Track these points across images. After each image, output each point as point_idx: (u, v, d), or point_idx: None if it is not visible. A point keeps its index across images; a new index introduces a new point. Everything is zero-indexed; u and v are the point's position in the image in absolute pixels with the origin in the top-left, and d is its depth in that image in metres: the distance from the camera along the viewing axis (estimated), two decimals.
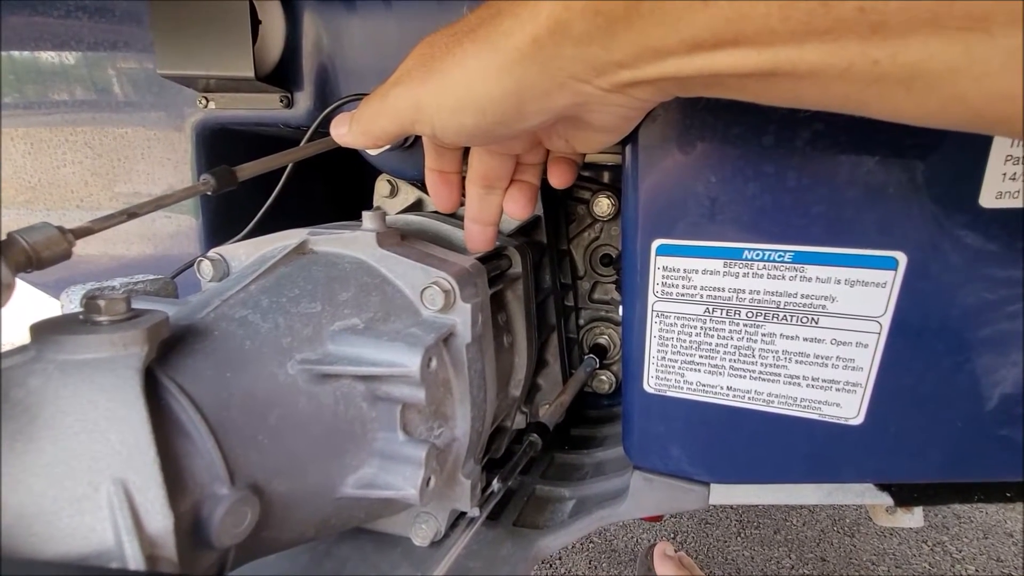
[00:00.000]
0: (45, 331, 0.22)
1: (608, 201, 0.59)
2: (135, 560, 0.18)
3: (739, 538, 1.21)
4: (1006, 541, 1.22)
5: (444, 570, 0.32)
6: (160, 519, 0.19)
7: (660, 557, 0.77)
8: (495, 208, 0.35)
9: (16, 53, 0.49)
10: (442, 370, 0.33)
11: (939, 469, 0.33)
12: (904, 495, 0.50)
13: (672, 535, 1.21)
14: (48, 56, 0.49)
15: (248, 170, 0.31)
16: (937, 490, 0.47)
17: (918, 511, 0.57)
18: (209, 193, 0.29)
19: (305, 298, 0.31)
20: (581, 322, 0.66)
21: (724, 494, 0.52)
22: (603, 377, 0.64)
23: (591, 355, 0.61)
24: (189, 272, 0.40)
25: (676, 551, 0.80)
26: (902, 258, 0.28)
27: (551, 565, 1.11)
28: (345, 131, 0.30)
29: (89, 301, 0.23)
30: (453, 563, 0.32)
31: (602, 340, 0.65)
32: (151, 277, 0.37)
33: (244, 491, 0.23)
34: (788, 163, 0.28)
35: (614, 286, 0.64)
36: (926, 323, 0.29)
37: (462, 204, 0.37)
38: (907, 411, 0.31)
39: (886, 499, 0.51)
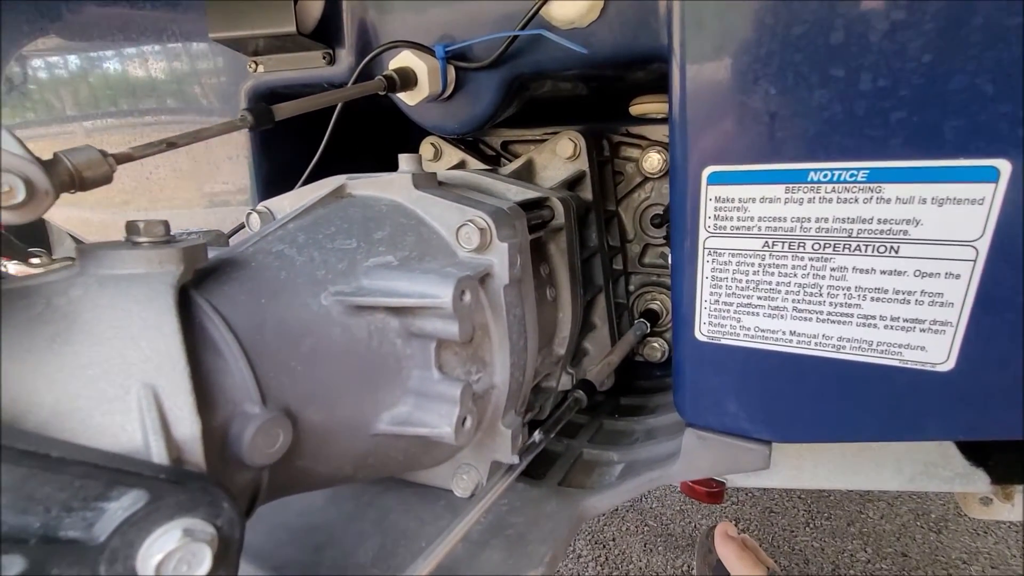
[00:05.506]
0: (89, 250, 0.22)
1: (659, 156, 0.56)
2: (161, 460, 0.18)
3: (808, 528, 1.13)
4: None
5: (479, 514, 0.31)
6: (188, 425, 0.19)
7: (722, 537, 0.73)
8: None
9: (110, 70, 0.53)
10: (479, 313, 0.32)
11: None
12: (1002, 470, 0.45)
13: (734, 522, 1.15)
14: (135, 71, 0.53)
15: (286, 109, 0.31)
16: None
17: (1019, 502, 0.50)
18: (247, 129, 0.29)
19: (341, 235, 0.30)
20: (631, 287, 0.63)
21: (789, 476, 0.47)
22: (655, 344, 0.61)
23: (642, 319, 0.58)
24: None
25: (740, 533, 0.75)
26: (1005, 167, 0.24)
27: (604, 546, 1.09)
28: None
29: (129, 223, 0.23)
30: (489, 508, 0.31)
31: (654, 306, 0.62)
32: (204, 230, 0.38)
33: (276, 412, 0.23)
34: (861, 63, 0.24)
35: (666, 246, 0.61)
36: None
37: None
38: (1007, 353, 0.27)
39: (980, 482, 0.46)
